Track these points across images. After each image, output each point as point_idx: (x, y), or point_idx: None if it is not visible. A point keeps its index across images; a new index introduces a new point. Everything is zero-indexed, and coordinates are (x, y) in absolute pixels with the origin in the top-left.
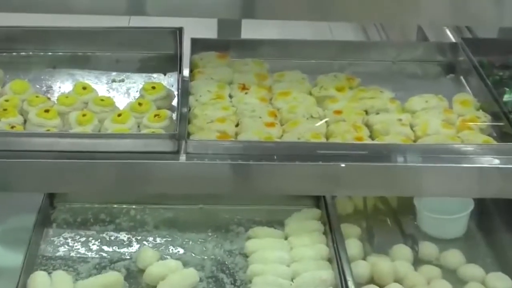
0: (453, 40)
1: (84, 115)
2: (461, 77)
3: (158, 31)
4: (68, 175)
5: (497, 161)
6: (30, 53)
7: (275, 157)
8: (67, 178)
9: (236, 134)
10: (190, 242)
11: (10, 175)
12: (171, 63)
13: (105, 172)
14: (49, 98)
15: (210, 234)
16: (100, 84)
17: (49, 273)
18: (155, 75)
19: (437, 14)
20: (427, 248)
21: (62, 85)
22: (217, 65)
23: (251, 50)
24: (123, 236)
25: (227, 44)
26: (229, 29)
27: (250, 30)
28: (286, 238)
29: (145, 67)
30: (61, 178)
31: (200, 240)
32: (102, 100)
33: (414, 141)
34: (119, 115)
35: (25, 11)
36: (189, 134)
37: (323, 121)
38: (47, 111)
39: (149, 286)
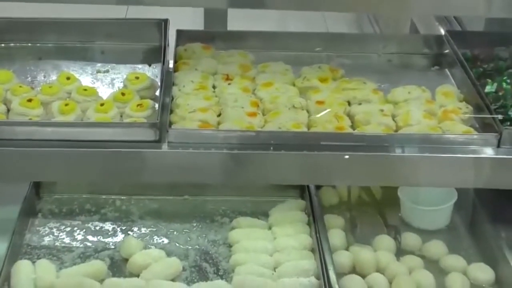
0: (442, 33)
1: (66, 104)
2: (446, 69)
3: (144, 23)
4: (50, 163)
5: (477, 152)
6: (17, 44)
7: (257, 146)
8: (49, 166)
9: (218, 123)
10: (175, 232)
11: None
12: (156, 55)
13: (87, 160)
14: (32, 88)
15: (194, 224)
16: (85, 75)
17: (33, 262)
18: (140, 66)
19: (425, 4)
20: (410, 239)
21: (47, 76)
22: (202, 56)
23: (237, 42)
24: (108, 226)
25: (213, 35)
26: (216, 21)
27: (245, 23)
28: (270, 229)
29: (130, 58)
30: (42, 167)
31: (184, 230)
32: (85, 90)
33: (396, 131)
34: (102, 104)
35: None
36: (171, 124)
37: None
38: (30, 100)
39: (133, 275)
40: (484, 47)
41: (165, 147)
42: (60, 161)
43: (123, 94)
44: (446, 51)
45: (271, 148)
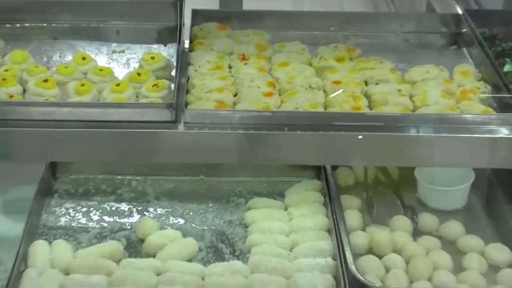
0: (460, 11)
1: (82, 85)
2: (464, 48)
3: (159, 2)
4: (66, 144)
5: (495, 131)
6: (32, 24)
7: (273, 126)
8: (65, 147)
9: (234, 104)
10: (191, 213)
11: (8, 144)
12: (171, 34)
13: (103, 141)
14: (48, 68)
15: (210, 205)
16: (101, 55)
17: (50, 243)
18: (155, 46)
19: None
20: (427, 219)
21: (63, 56)
22: (217, 36)
23: (252, 22)
24: (124, 206)
25: (228, 15)
26: (231, 1)
27: (260, 2)
28: (286, 209)
29: (145, 38)
30: (58, 147)
31: (200, 211)
32: (101, 70)
33: (413, 111)
34: (118, 85)
35: None
36: (187, 104)
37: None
38: (46, 80)
39: (149, 256)
40: (503, 26)
41: (181, 127)
42: (76, 142)
43: (139, 74)
44: (464, 30)
45: (287, 128)
